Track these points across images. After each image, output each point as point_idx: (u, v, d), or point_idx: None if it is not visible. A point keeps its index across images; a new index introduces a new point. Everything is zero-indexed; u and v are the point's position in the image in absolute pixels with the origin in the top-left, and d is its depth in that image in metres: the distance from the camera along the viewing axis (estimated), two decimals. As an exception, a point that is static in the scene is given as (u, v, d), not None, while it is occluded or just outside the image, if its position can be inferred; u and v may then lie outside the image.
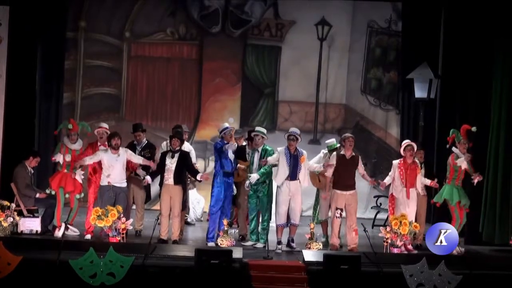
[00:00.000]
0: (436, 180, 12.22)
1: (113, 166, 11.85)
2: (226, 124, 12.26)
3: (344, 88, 16.69)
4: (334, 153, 12.06)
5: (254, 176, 11.89)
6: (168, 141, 12.34)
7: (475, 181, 12.03)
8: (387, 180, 12.07)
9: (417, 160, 12.02)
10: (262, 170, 11.92)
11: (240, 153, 12.26)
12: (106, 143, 12.04)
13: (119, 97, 16.55)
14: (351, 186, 11.90)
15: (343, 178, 11.84)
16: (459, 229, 11.83)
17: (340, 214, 11.81)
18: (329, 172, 11.89)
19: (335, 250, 11.69)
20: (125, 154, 11.96)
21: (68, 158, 12.09)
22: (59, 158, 12.16)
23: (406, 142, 12.07)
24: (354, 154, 11.93)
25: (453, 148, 12.04)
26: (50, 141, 15.20)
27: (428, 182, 12.13)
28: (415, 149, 11.95)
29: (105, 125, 12.47)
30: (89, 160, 11.98)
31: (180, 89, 16.62)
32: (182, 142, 12.05)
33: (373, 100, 16.71)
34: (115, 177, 11.86)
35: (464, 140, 11.96)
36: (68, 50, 16.22)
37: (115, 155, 11.87)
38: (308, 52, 16.58)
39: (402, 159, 11.97)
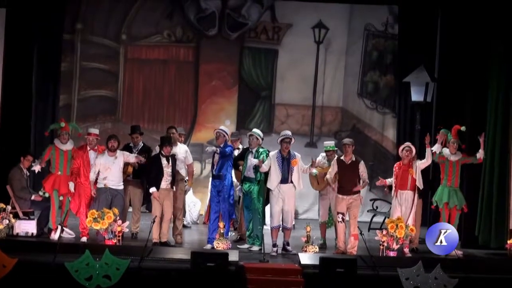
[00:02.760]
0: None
1: (110, 168, 11.86)
2: (220, 126, 12.33)
3: (340, 91, 16.70)
4: (335, 158, 12.11)
5: (254, 160, 11.86)
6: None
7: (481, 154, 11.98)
8: (389, 180, 12.07)
9: (413, 170, 11.92)
10: (261, 157, 11.88)
11: (243, 154, 12.36)
12: (96, 147, 12.10)
13: (115, 100, 16.54)
14: (352, 191, 11.90)
15: (343, 183, 11.86)
16: None
17: (342, 219, 11.82)
18: (328, 176, 11.92)
19: (340, 254, 11.69)
20: (122, 156, 11.96)
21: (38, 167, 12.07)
22: (36, 168, 12.10)
23: (406, 144, 12.04)
24: (355, 159, 11.94)
25: (443, 149, 12.06)
26: (46, 144, 15.03)
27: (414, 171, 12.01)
28: (413, 152, 11.93)
29: (95, 130, 12.32)
30: (93, 175, 11.90)
31: (176, 91, 16.62)
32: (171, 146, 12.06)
33: (369, 103, 16.72)
34: (111, 179, 11.86)
35: (454, 140, 11.97)
36: (64, 52, 16.20)
37: (112, 157, 11.88)
38: (305, 55, 16.60)
39: (400, 161, 12.00)
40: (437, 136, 12.24)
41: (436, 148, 12.11)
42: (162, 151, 11.88)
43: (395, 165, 12.09)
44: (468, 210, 12.18)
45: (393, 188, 11.97)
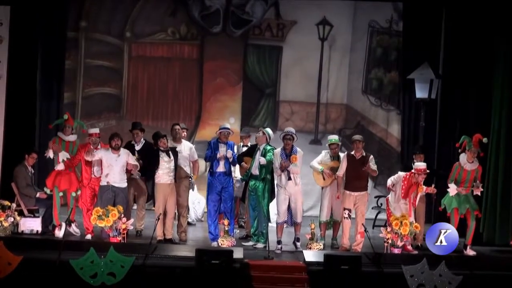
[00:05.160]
0: (433, 185, 12.00)
1: (112, 165, 11.83)
2: (226, 125, 12.31)
3: (345, 88, 16.67)
4: (345, 153, 12.07)
5: (263, 159, 11.85)
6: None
7: (475, 192, 11.95)
8: (389, 183, 12.01)
9: (422, 186, 11.75)
10: (268, 157, 11.87)
11: (250, 151, 12.41)
12: (100, 146, 12.08)
13: (119, 97, 16.55)
14: (360, 187, 11.89)
15: (351, 179, 11.85)
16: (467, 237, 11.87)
17: (349, 215, 11.81)
18: (340, 172, 11.89)
19: (344, 251, 11.68)
20: (126, 155, 11.94)
21: (63, 156, 12.08)
22: (49, 153, 12.14)
23: (423, 167, 11.70)
24: (364, 154, 11.91)
25: (461, 155, 11.96)
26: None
27: (424, 188, 11.88)
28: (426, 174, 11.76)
29: (95, 130, 12.26)
30: (89, 157, 11.94)
31: (180, 89, 16.61)
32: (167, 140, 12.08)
33: (374, 100, 16.70)
34: (114, 177, 11.85)
35: (474, 149, 11.82)
36: (68, 50, 16.18)
37: (115, 155, 11.86)
38: (309, 52, 16.57)
39: (408, 174, 11.81)
40: (457, 144, 12.06)
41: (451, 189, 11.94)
42: (159, 147, 11.89)
43: (403, 177, 11.86)
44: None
45: (396, 196, 11.88)
